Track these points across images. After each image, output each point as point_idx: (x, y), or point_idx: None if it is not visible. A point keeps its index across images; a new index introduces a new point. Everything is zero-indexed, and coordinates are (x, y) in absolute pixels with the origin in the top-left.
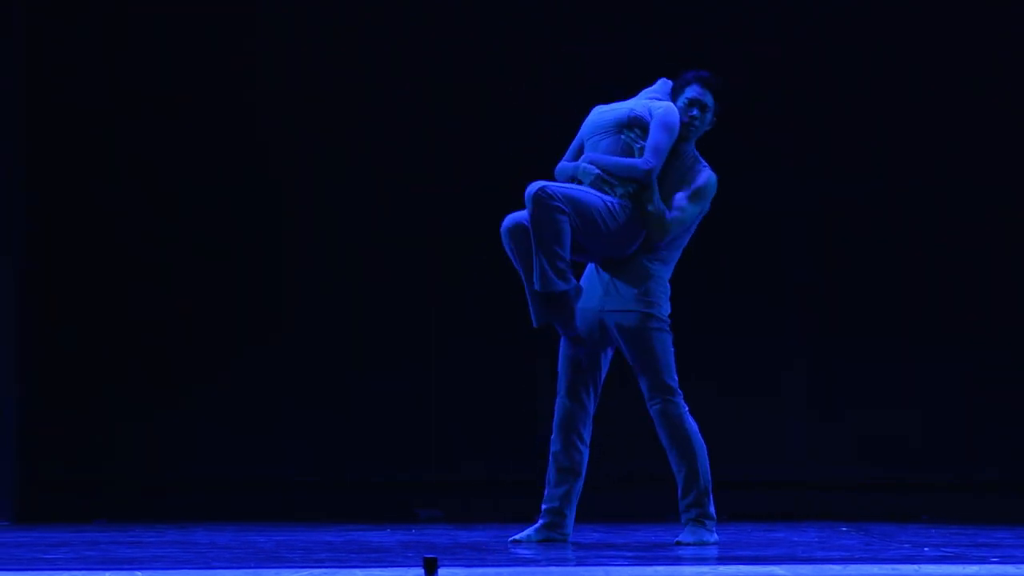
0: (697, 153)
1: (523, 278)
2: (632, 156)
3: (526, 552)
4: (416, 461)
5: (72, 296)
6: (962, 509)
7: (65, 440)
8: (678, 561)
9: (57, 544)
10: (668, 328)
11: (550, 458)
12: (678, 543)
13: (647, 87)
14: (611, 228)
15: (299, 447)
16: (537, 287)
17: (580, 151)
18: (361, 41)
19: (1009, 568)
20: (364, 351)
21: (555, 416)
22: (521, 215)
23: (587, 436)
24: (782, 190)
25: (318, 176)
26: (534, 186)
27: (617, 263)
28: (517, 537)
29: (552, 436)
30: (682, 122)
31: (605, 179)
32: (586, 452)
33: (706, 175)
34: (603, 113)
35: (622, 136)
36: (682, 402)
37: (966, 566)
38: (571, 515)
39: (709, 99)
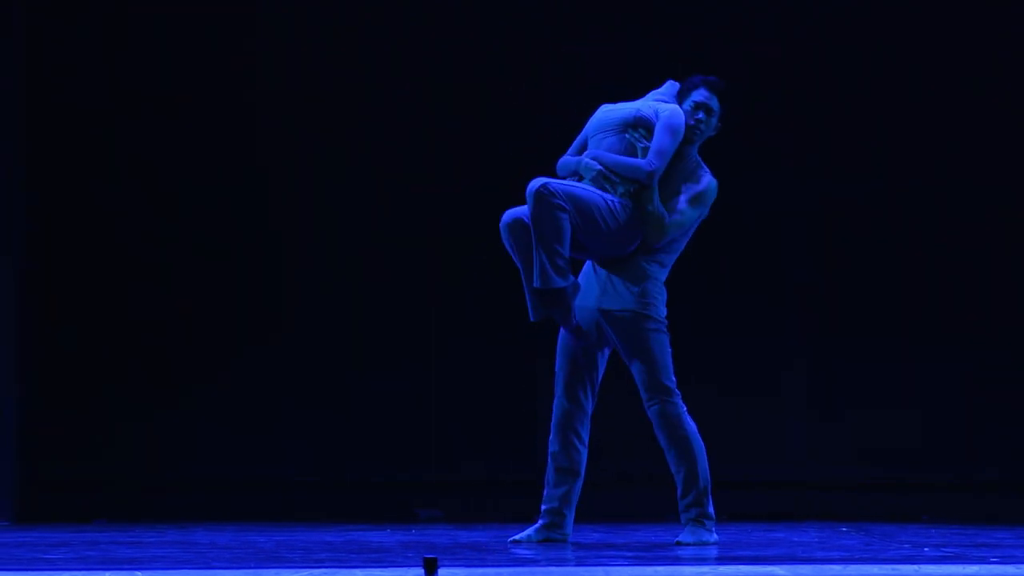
0: (699, 158)
1: (521, 273)
2: (635, 156)
3: (526, 552)
4: (416, 461)
5: (72, 296)
6: (962, 509)
7: (65, 440)
8: (678, 561)
9: (57, 544)
10: (665, 329)
11: (549, 458)
12: (678, 543)
13: (654, 89)
14: (611, 227)
15: (299, 447)
16: (536, 284)
17: (584, 147)
18: (361, 41)
19: (1009, 568)
20: (364, 351)
21: (553, 416)
22: (521, 210)
23: (585, 436)
24: (782, 190)
25: (318, 176)
26: (536, 183)
27: (615, 262)
28: (517, 537)
29: (550, 436)
30: (687, 125)
31: (607, 176)
32: (584, 452)
33: (707, 180)
34: (609, 112)
35: (626, 135)
36: (680, 402)
37: (966, 566)
38: (571, 515)
39: (715, 103)
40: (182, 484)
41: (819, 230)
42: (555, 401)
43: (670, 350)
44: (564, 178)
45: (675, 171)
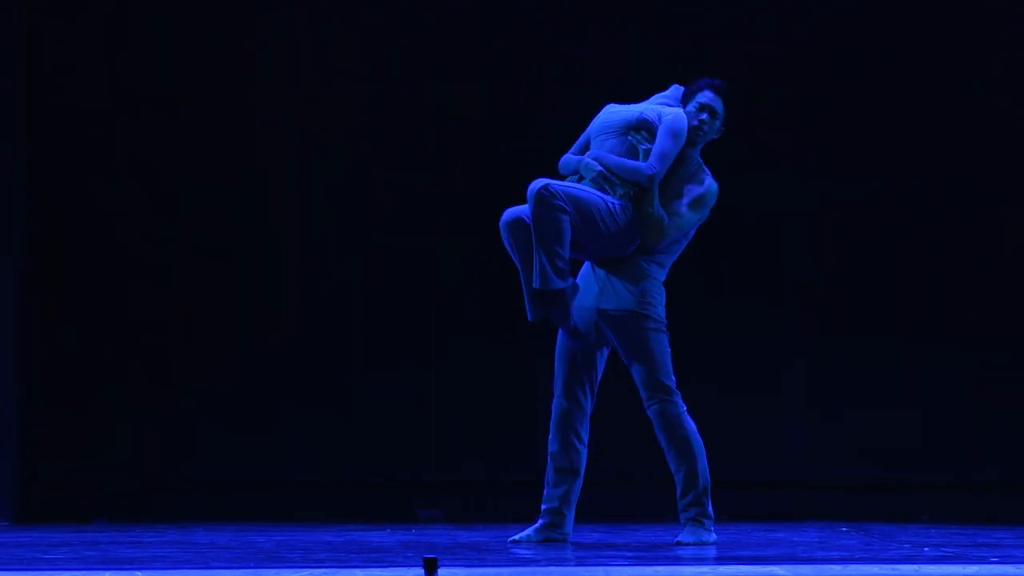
0: (701, 160)
1: (520, 272)
2: (637, 158)
3: (526, 552)
4: (416, 461)
5: (72, 296)
6: (962, 509)
7: (65, 440)
8: (678, 561)
9: (57, 544)
10: (664, 328)
11: (548, 458)
12: (678, 543)
13: (659, 92)
14: (611, 229)
15: (299, 447)
16: (536, 285)
17: (587, 146)
18: (361, 41)
19: (1009, 568)
20: (364, 351)
21: (552, 416)
22: (521, 209)
23: (585, 436)
24: (782, 190)
25: (318, 176)
26: (537, 183)
27: (614, 263)
28: (517, 537)
29: (549, 436)
30: (690, 126)
31: (607, 177)
32: (584, 452)
33: (708, 183)
34: (613, 113)
35: (628, 138)
36: (680, 402)
37: (966, 566)
38: (570, 515)
39: (720, 106)
40: (182, 484)
41: (819, 230)
42: (554, 401)
43: (669, 349)
44: (565, 177)
45: (676, 173)
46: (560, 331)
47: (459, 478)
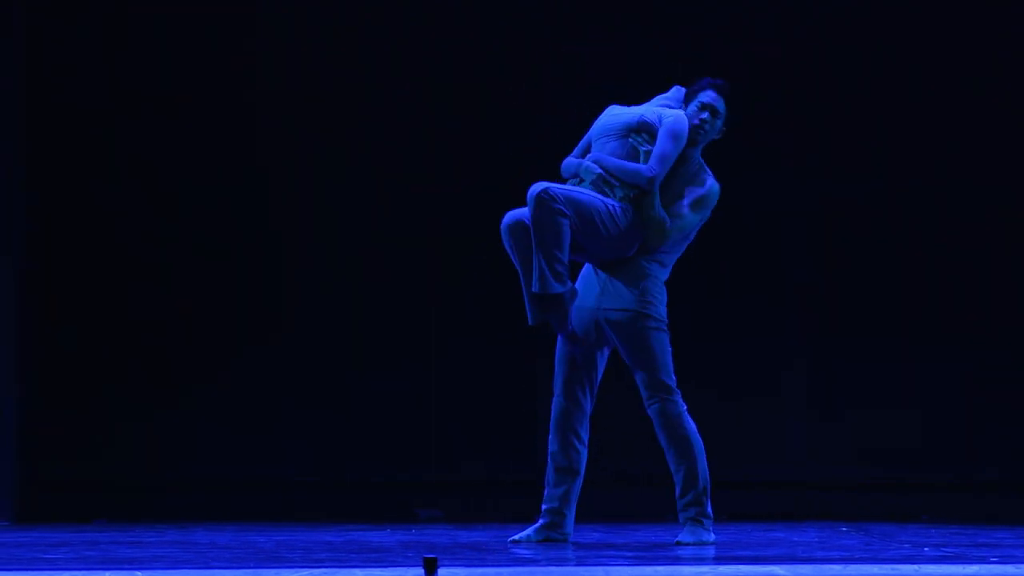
0: (702, 160)
1: (520, 275)
2: (638, 160)
3: (526, 552)
4: (416, 461)
5: (72, 296)
6: (962, 509)
7: (65, 440)
8: (678, 561)
9: (57, 544)
10: (665, 328)
11: (548, 458)
12: (677, 543)
13: (661, 93)
14: (611, 232)
15: (299, 447)
16: (535, 288)
17: (588, 149)
18: (361, 41)
19: (1009, 568)
20: (364, 351)
21: (552, 416)
22: (522, 212)
23: (584, 435)
24: (782, 190)
25: (318, 176)
26: (537, 187)
27: (616, 263)
28: (517, 537)
29: (549, 436)
30: (692, 125)
31: (607, 180)
32: (584, 451)
33: (709, 184)
34: (614, 116)
35: (629, 140)
36: (680, 401)
37: (966, 566)
38: (571, 515)
39: (721, 106)
40: (182, 484)
41: (819, 230)
42: (554, 400)
43: (670, 349)
44: (566, 179)
45: (678, 174)
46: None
47: (459, 478)
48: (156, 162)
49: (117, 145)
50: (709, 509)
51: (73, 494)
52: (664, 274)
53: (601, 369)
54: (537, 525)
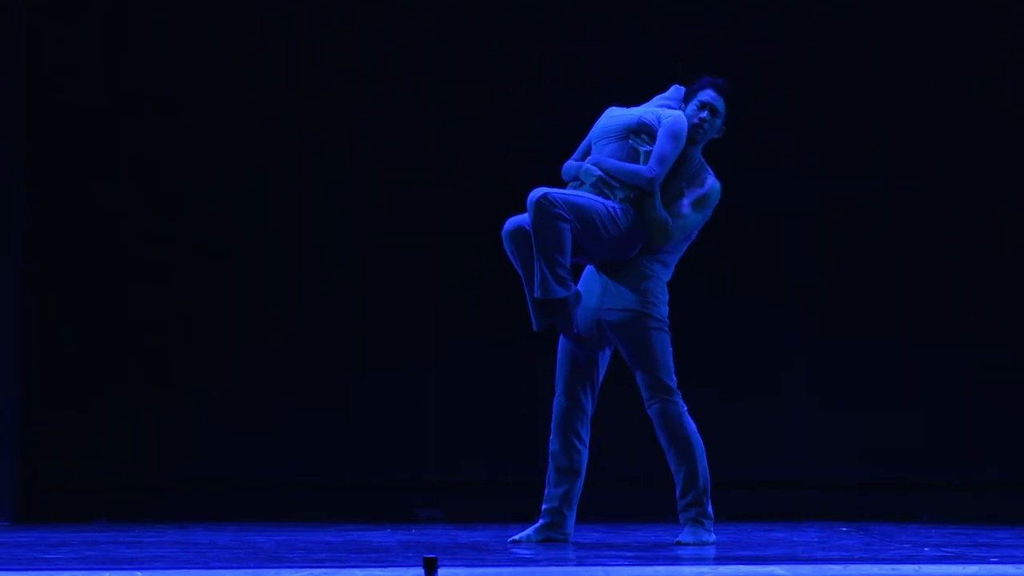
0: (703, 159)
1: (523, 281)
2: (638, 162)
3: (526, 552)
4: (416, 461)
5: (72, 296)
6: (962, 509)
7: (65, 440)
8: (678, 561)
9: (57, 544)
10: (667, 328)
11: (549, 458)
12: (678, 543)
13: (660, 93)
14: (612, 234)
15: (299, 447)
16: (537, 294)
17: (588, 152)
18: (361, 41)
19: (1009, 568)
20: (364, 351)
21: (553, 416)
22: (522, 218)
23: (586, 436)
24: (782, 190)
25: (318, 176)
26: (536, 193)
27: (617, 264)
28: (517, 537)
29: (551, 436)
30: (691, 123)
31: (607, 182)
32: (585, 452)
33: (710, 183)
34: (613, 117)
35: (629, 141)
36: (681, 402)
37: (966, 566)
38: (571, 515)
39: (721, 105)
40: (182, 484)
41: (819, 230)
42: (555, 400)
43: (671, 349)
44: (567, 182)
45: (678, 173)
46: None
47: (459, 478)
48: (156, 162)
49: (117, 145)
50: (710, 509)
51: (73, 494)
52: (666, 274)
53: (603, 369)
54: (537, 525)
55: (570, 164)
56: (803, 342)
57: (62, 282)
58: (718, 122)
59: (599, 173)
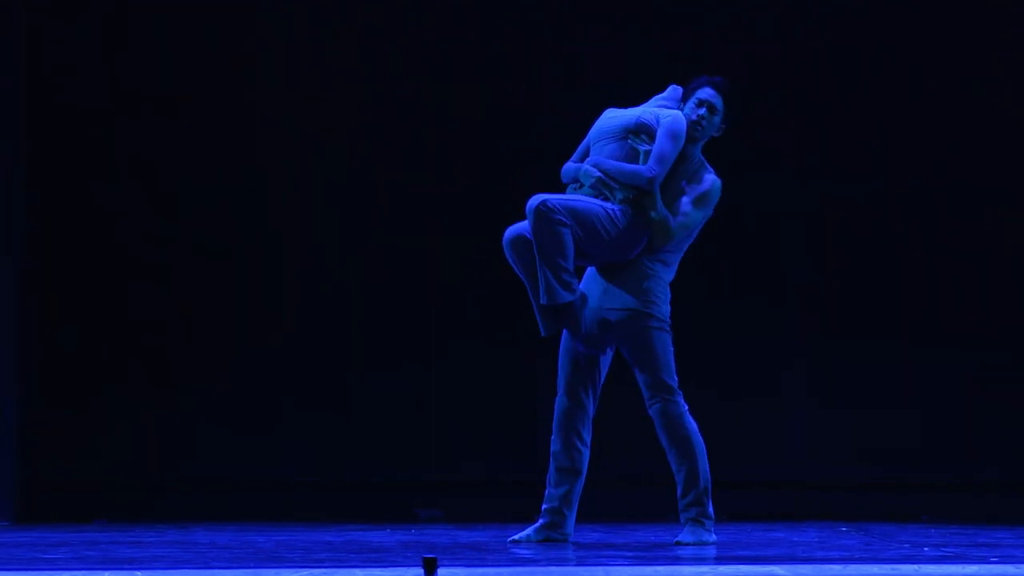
0: (703, 157)
1: (528, 289)
2: (637, 161)
3: (526, 552)
4: (416, 461)
5: (72, 296)
6: (962, 509)
7: (65, 440)
8: (678, 561)
9: (57, 544)
10: (668, 328)
11: (551, 458)
12: (678, 543)
13: (658, 93)
14: (612, 235)
15: (299, 447)
16: (544, 300)
17: (586, 154)
18: (361, 41)
19: (1009, 568)
20: (364, 351)
21: (554, 416)
22: (522, 226)
23: (587, 436)
24: (782, 190)
25: (318, 176)
26: (535, 200)
27: (618, 264)
28: (517, 537)
29: (552, 436)
30: (690, 120)
31: (605, 183)
32: (586, 452)
33: (711, 180)
34: (612, 118)
35: (628, 141)
36: (682, 401)
37: (966, 566)
38: (571, 515)
39: (719, 103)
40: (182, 484)
41: (819, 230)
42: (556, 400)
43: (672, 349)
44: (566, 184)
45: (679, 172)
46: (564, 331)
47: (459, 478)
48: (156, 162)
49: (117, 145)
50: (710, 509)
51: (73, 494)
52: (668, 274)
53: (605, 370)
54: (537, 525)
55: (569, 166)
56: (803, 342)
57: (62, 282)
58: (716, 120)
59: (598, 174)
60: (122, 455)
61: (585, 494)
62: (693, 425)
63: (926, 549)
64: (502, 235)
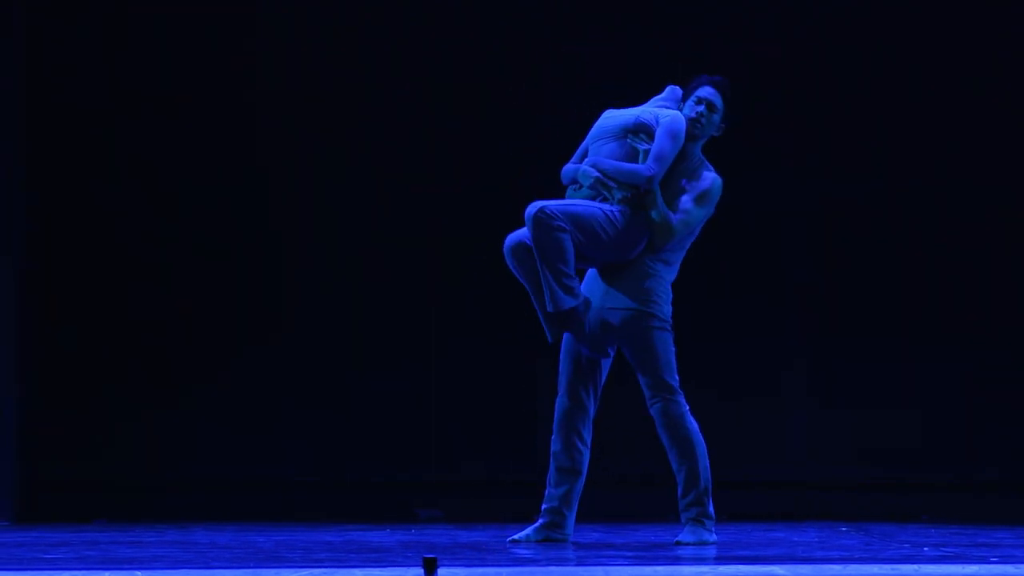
0: (703, 156)
1: (531, 295)
2: (637, 161)
3: (526, 552)
4: (416, 461)
5: (72, 296)
6: (962, 509)
7: (65, 440)
8: (678, 561)
9: (57, 544)
10: (670, 328)
11: (551, 458)
12: (678, 543)
13: (656, 95)
14: (612, 237)
15: (299, 447)
16: (548, 308)
17: (586, 154)
18: (361, 41)
19: (1009, 568)
20: (364, 351)
21: (555, 415)
22: (522, 233)
23: (587, 436)
24: (782, 190)
25: (318, 176)
26: (533, 207)
27: (620, 264)
28: (517, 537)
29: (552, 436)
30: (689, 118)
31: (604, 183)
32: (587, 452)
33: (711, 178)
34: (611, 118)
35: (627, 140)
36: (683, 401)
37: (966, 566)
38: (571, 515)
39: (719, 101)
40: (182, 484)
41: (819, 230)
42: (557, 400)
43: (674, 349)
44: (565, 185)
45: (678, 170)
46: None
47: (459, 478)
48: (156, 162)
49: (117, 145)
50: (711, 509)
51: (73, 494)
52: (670, 274)
53: (606, 371)
54: (537, 525)
55: (568, 167)
56: (803, 342)
57: (62, 282)
58: (716, 118)
59: (597, 174)
60: (122, 455)
61: (585, 494)
62: (694, 425)
63: (926, 549)
64: (502, 235)
